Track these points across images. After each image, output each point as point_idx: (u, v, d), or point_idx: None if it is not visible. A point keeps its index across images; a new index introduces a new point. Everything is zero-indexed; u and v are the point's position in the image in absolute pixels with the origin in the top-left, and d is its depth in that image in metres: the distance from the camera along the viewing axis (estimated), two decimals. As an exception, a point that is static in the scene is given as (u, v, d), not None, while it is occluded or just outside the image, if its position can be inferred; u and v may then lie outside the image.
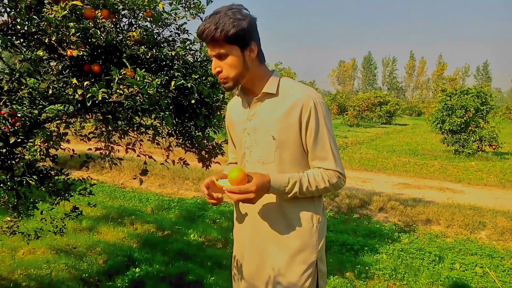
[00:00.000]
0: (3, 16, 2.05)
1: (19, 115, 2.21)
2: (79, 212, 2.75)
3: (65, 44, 2.03)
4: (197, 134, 2.82)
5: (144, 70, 1.97)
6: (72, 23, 1.88)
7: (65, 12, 1.84)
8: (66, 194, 2.49)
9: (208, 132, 2.81)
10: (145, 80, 1.86)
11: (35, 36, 2.05)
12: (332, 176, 1.43)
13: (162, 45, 2.42)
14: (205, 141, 2.79)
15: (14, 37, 2.09)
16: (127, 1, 2.12)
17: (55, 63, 2.35)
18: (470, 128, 12.94)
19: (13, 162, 2.25)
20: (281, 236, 1.44)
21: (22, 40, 2.14)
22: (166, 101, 2.09)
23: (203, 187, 1.43)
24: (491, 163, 11.62)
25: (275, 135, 1.40)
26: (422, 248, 4.63)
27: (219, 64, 1.36)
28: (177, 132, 2.82)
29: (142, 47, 2.15)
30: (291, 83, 1.46)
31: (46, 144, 2.30)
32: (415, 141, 17.57)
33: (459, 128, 12.93)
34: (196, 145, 2.86)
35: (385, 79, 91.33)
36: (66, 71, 2.21)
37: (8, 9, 2.00)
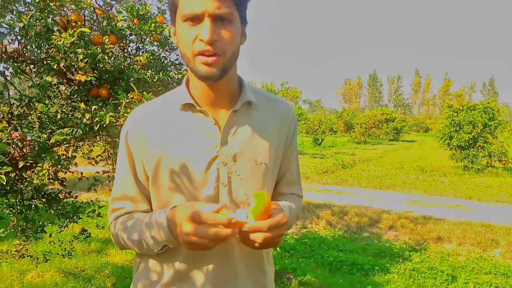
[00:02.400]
0: (14, 44, 2.12)
1: (28, 138, 2.25)
2: (88, 234, 2.76)
3: (73, 70, 2.08)
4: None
5: (151, 93, 2.01)
6: (80, 49, 1.93)
7: (73, 38, 1.89)
8: (75, 217, 2.50)
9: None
10: (152, 103, 1.88)
11: (45, 62, 2.11)
12: (301, 204, 1.19)
13: (169, 69, 2.47)
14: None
15: (24, 64, 2.15)
16: (134, 27, 2.18)
17: (64, 88, 2.40)
18: (478, 143, 12.84)
19: (22, 186, 2.27)
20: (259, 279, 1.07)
21: (32, 66, 2.19)
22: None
23: (193, 226, 0.83)
24: (501, 178, 11.47)
25: (267, 162, 1.02)
26: (434, 267, 4.54)
27: (216, 32, 0.86)
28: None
29: (149, 71, 2.19)
30: (260, 89, 1.11)
31: (55, 167, 2.33)
32: (423, 158, 17.44)
33: (467, 144, 12.83)
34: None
35: (391, 96, 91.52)
36: (75, 96, 2.26)
37: (19, 37, 2.06)
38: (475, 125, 12.77)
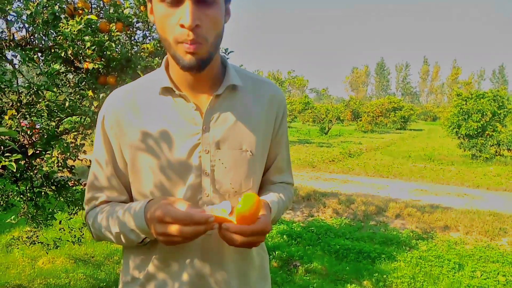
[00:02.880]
0: (21, 32, 2.12)
1: (37, 126, 2.27)
2: (96, 222, 2.79)
3: (81, 57, 2.08)
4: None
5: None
6: (87, 37, 1.93)
7: (81, 26, 1.89)
8: (84, 204, 2.53)
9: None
10: (160, 90, 1.88)
11: (52, 50, 2.11)
12: (291, 193, 1.13)
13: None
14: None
15: (32, 52, 2.15)
16: (141, 14, 2.17)
17: (72, 76, 2.41)
18: (487, 132, 12.72)
19: (32, 173, 2.30)
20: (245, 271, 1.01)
21: (39, 54, 2.20)
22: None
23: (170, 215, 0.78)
24: (510, 167, 11.37)
25: (253, 149, 0.95)
26: (441, 255, 4.54)
27: (199, 16, 0.78)
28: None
29: (156, 58, 2.18)
30: (246, 71, 1.03)
31: (64, 155, 2.34)
32: (431, 146, 17.33)
33: (475, 132, 12.72)
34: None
35: (398, 85, 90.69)
36: (82, 84, 2.26)
37: (26, 25, 2.06)
38: (484, 113, 12.63)
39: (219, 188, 0.93)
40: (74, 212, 2.56)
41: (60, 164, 2.41)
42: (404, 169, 10.89)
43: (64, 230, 2.71)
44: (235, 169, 0.93)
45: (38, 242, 2.73)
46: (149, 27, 2.26)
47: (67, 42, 1.96)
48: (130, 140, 0.91)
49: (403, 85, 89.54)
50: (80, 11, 2.08)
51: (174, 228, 0.77)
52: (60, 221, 2.59)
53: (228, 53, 2.56)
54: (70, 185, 2.43)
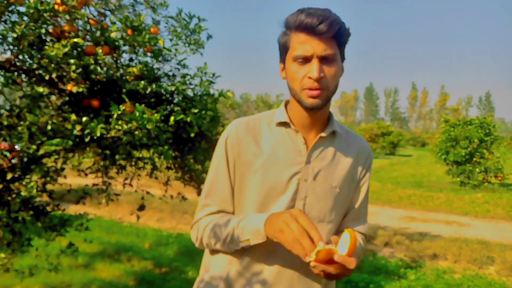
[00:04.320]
0: (6, 54, 2.09)
1: (17, 147, 2.21)
2: (75, 249, 2.69)
3: (65, 80, 2.05)
4: (196, 167, 2.80)
5: (143, 104, 1.98)
6: (73, 60, 1.90)
7: (67, 49, 1.86)
8: (62, 230, 2.44)
9: (207, 165, 2.78)
10: (144, 115, 1.85)
11: (36, 72, 2.08)
12: (365, 242, 1.25)
13: (162, 80, 2.44)
14: (205, 175, 2.76)
15: (16, 74, 2.12)
16: (128, 38, 2.15)
17: (55, 98, 2.37)
18: (475, 159, 12.84)
19: (10, 198, 2.22)
20: None
21: (23, 76, 2.16)
22: (165, 136, 2.08)
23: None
24: (497, 194, 11.45)
25: (340, 188, 1.12)
26: (429, 285, 4.47)
27: (323, 70, 1.00)
28: (176, 165, 2.80)
29: (142, 82, 2.16)
30: (343, 125, 1.23)
31: (43, 179, 2.28)
32: (420, 173, 17.43)
33: (464, 159, 12.83)
34: (195, 178, 2.83)
35: (387, 110, 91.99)
36: (66, 106, 2.22)
37: (11, 47, 2.03)
38: (472, 140, 12.79)
39: (308, 213, 1.09)
40: (51, 238, 2.47)
41: (39, 189, 2.34)
42: (393, 195, 10.90)
43: (40, 257, 2.60)
44: (324, 200, 1.10)
45: (12, 270, 2.61)
46: (136, 51, 2.25)
47: (52, 65, 1.93)
48: (244, 159, 1.10)
49: (392, 110, 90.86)
50: (67, 34, 2.06)
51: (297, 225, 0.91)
52: (37, 248, 2.49)
53: (216, 78, 2.55)
54: (49, 210, 2.35)
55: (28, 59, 2.06)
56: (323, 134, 1.10)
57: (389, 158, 26.85)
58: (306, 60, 1.01)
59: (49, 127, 2.13)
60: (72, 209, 2.83)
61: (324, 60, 1.01)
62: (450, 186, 12.99)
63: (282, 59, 1.09)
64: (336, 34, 1.00)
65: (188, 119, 2.24)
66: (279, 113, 1.14)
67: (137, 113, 1.84)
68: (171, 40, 2.35)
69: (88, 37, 2.26)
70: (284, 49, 1.06)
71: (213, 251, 1.17)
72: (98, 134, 1.83)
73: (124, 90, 2.10)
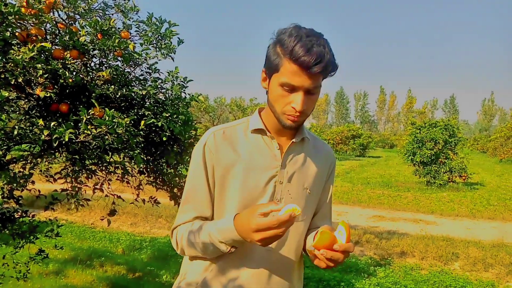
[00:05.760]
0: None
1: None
2: (45, 255, 2.64)
3: (33, 84, 2.02)
4: (168, 171, 2.79)
5: (114, 109, 1.97)
6: (39, 65, 1.87)
7: (33, 53, 1.84)
8: (31, 237, 2.39)
9: (180, 169, 2.79)
10: (114, 120, 1.85)
11: (2, 76, 2.03)
12: None
13: (132, 84, 2.43)
14: (177, 179, 2.76)
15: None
16: (97, 42, 2.14)
17: (23, 102, 2.32)
18: (440, 159, 13.33)
19: (-26, 205, 2.16)
20: None
21: (-13, 80, 2.11)
22: (135, 140, 2.08)
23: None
24: (461, 193, 11.92)
25: (311, 189, 1.22)
26: (397, 281, 4.62)
27: (306, 102, 1.07)
28: (148, 169, 2.79)
29: (112, 86, 2.15)
30: (310, 132, 1.31)
31: (10, 186, 2.23)
32: (388, 173, 17.89)
33: (429, 160, 13.29)
34: (168, 182, 2.83)
35: (357, 113, 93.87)
36: (33, 111, 2.19)
37: (-26, 50, 1.98)
38: (437, 141, 13.27)
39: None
40: (20, 245, 2.41)
41: (6, 195, 2.29)
42: (363, 195, 11.15)
43: (8, 265, 2.53)
44: (298, 200, 1.18)
45: (-22, 279, 2.54)
46: (106, 55, 2.24)
47: (18, 69, 1.90)
48: (225, 164, 1.15)
49: (362, 113, 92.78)
50: (34, 38, 2.03)
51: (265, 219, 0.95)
52: (4, 256, 2.43)
53: (187, 82, 2.57)
54: (17, 216, 2.30)
55: (-8, 63, 2.02)
56: (295, 140, 1.18)
57: (359, 160, 27.41)
58: (292, 89, 1.06)
59: (15, 132, 2.09)
60: (43, 215, 2.76)
61: (312, 90, 1.06)
62: (417, 186, 13.41)
63: (268, 74, 1.12)
64: (332, 70, 1.07)
65: (160, 123, 2.25)
66: (254, 121, 1.20)
67: (107, 118, 1.84)
68: (141, 44, 2.35)
69: (57, 40, 2.23)
70: (273, 68, 1.08)
71: (192, 258, 1.21)
72: (67, 139, 1.81)
73: (94, 95, 2.09)
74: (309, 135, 1.25)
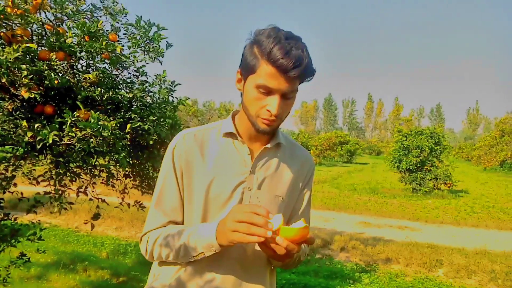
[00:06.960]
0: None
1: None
2: (27, 259, 2.59)
3: (17, 85, 1.99)
4: (155, 175, 2.78)
5: (100, 112, 1.96)
6: (24, 65, 1.85)
7: (18, 54, 1.81)
8: (13, 240, 2.34)
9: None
10: (100, 122, 1.83)
11: (-14, 77, 2.00)
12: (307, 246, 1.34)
13: (119, 87, 2.42)
14: (163, 183, 2.74)
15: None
16: (84, 44, 2.13)
17: (7, 103, 2.28)
18: (426, 167, 13.50)
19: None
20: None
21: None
22: (121, 144, 2.06)
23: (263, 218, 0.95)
24: (446, 200, 12.07)
25: (284, 196, 1.18)
26: (382, 288, 4.65)
27: (282, 106, 1.05)
28: (134, 173, 2.77)
29: (99, 88, 2.13)
30: (288, 136, 1.28)
31: (-9, 188, 2.18)
32: (375, 180, 18.04)
33: (415, 167, 13.46)
34: (154, 186, 2.81)
35: (345, 120, 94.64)
36: (17, 112, 2.15)
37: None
38: (423, 149, 13.44)
39: None
40: (1, 249, 2.36)
41: (-14, 197, 2.24)
42: (349, 201, 11.21)
43: (-13, 269, 2.48)
44: (268, 208, 1.06)
45: (-44, 283, 2.47)
46: (93, 57, 2.22)
47: (2, 70, 1.87)
48: (192, 168, 1.12)
49: (350, 120, 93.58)
50: (19, 38, 2.00)
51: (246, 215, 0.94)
52: (-16, 259, 2.37)
53: (175, 85, 2.56)
54: (-3, 219, 2.25)
55: (-24, 63, 1.98)
56: (268, 146, 1.15)
57: (346, 166, 27.59)
58: (269, 92, 1.02)
59: (-2, 133, 2.05)
60: (26, 218, 2.70)
61: (288, 94, 1.03)
62: (403, 193, 13.55)
63: (244, 75, 1.08)
64: (311, 74, 1.04)
65: (146, 127, 2.24)
66: (226, 124, 1.16)
67: (92, 120, 1.82)
68: (129, 47, 2.34)
69: (43, 42, 2.21)
70: (249, 69, 1.04)
71: (161, 263, 1.19)
72: (50, 141, 1.79)
73: (79, 97, 2.07)
74: (285, 141, 1.21)
